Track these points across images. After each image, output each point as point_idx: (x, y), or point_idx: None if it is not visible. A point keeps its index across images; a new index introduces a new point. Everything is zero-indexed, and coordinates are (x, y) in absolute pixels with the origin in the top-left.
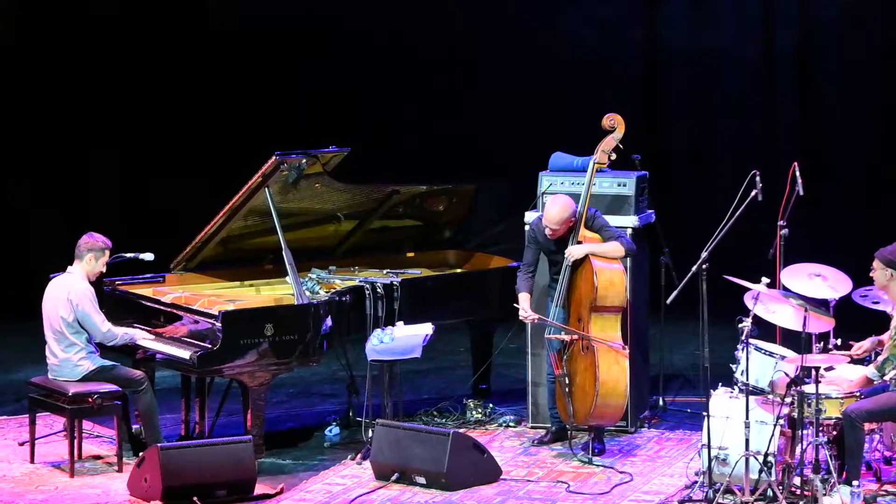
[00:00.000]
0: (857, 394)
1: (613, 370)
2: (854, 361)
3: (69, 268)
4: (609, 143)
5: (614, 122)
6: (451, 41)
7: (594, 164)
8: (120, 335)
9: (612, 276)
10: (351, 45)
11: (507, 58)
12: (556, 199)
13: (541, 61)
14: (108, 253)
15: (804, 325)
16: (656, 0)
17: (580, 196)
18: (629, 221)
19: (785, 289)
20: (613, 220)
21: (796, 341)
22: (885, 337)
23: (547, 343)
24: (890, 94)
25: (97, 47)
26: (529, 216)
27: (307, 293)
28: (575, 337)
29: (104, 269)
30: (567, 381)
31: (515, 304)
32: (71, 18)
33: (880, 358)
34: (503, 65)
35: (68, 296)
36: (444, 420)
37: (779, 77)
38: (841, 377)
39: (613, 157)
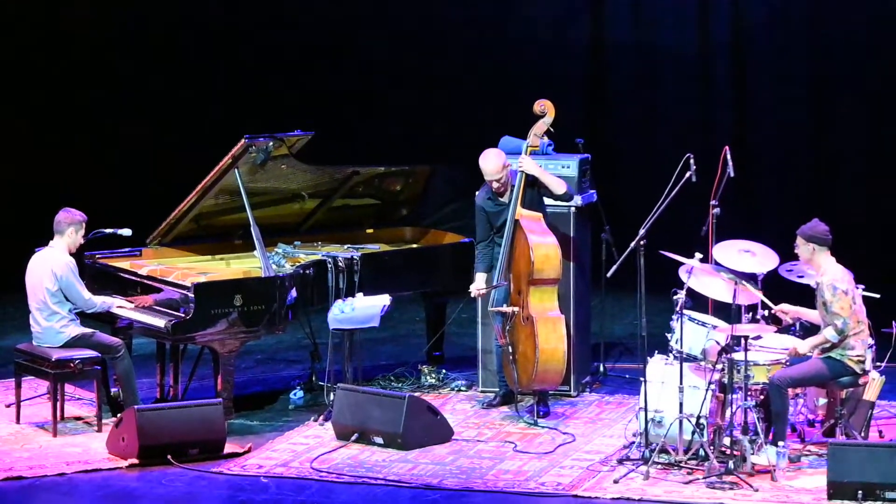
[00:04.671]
0: (784, 361)
1: (552, 338)
2: (780, 331)
3: (51, 242)
4: (540, 127)
5: (544, 108)
6: (406, 34)
7: (527, 146)
8: (99, 303)
9: (547, 251)
10: (311, 38)
11: (461, 53)
12: (484, 154)
13: (493, 55)
14: (84, 225)
15: (734, 297)
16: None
17: (517, 175)
18: (572, 201)
19: (717, 263)
20: None
21: (727, 312)
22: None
23: (491, 315)
24: (815, 84)
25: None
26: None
27: (274, 266)
28: (516, 309)
29: (83, 241)
30: (511, 350)
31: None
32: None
33: (836, 322)
34: (458, 60)
35: (52, 268)
36: (400, 385)
37: (713, 70)
38: (794, 347)
39: (545, 139)
